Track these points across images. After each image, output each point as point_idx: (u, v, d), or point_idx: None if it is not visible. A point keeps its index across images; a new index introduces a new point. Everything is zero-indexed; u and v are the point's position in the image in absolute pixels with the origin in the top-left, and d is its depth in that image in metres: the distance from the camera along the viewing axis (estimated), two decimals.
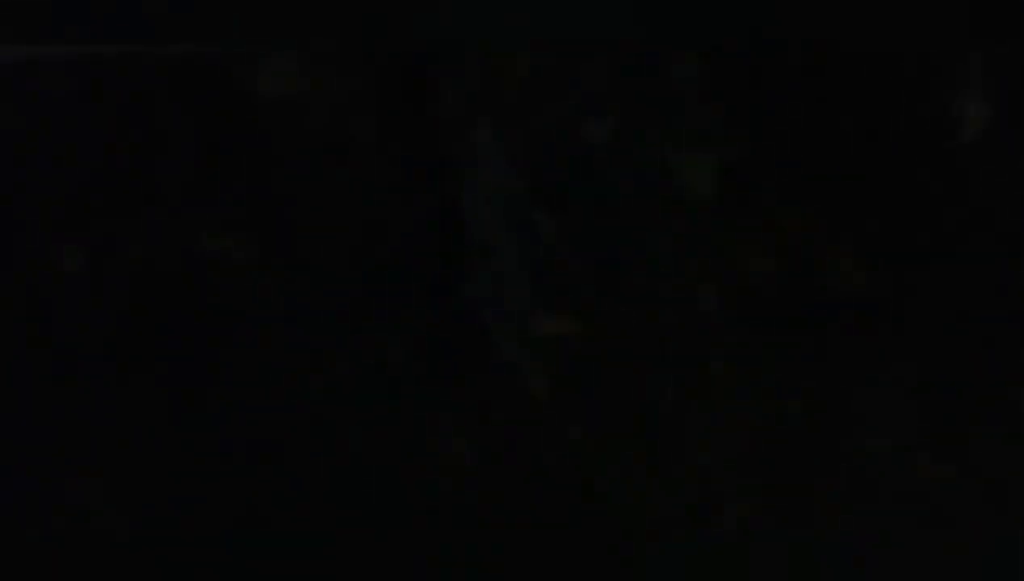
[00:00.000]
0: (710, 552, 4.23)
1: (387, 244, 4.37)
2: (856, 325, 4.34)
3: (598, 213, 4.41)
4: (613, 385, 4.38)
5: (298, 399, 4.28)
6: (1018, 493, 4.20)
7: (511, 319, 4.40)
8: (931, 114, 4.37)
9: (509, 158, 4.38)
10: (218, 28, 4.22)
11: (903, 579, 4.17)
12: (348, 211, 4.36)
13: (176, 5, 4.21)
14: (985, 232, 4.35)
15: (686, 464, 4.31)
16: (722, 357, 4.35)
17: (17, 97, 4.19)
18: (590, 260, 4.40)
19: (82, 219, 4.24)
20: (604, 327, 4.39)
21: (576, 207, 4.41)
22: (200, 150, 4.30)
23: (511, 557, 4.18)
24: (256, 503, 4.22)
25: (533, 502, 4.28)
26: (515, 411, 4.34)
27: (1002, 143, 4.31)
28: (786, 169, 4.36)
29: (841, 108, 4.40)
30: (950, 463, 4.25)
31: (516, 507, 4.27)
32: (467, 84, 4.37)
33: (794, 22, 4.33)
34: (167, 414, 4.24)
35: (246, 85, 4.29)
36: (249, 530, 4.21)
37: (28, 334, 4.21)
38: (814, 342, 4.33)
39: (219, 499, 4.21)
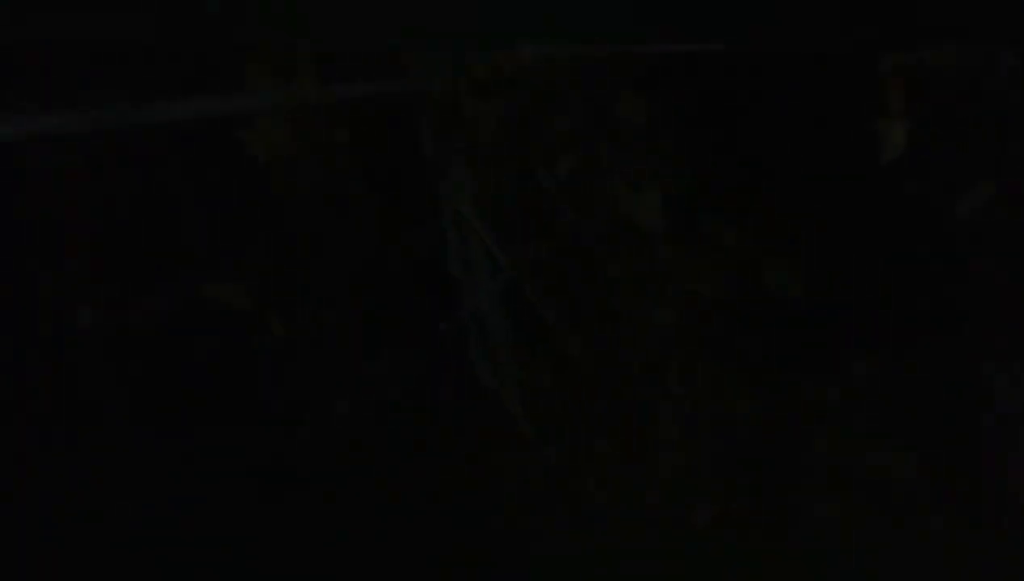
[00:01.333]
0: (683, 549, 4.53)
1: (378, 284, 4.67)
2: (797, 331, 4.66)
3: (557, 245, 4.71)
4: (580, 398, 4.71)
5: (304, 427, 4.56)
6: (974, 488, 4.49)
7: (487, 347, 4.74)
8: (856, 135, 4.65)
9: (478, 198, 4.68)
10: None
11: (870, 571, 4.43)
12: (339, 254, 4.67)
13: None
14: (911, 238, 4.66)
15: (655, 466, 4.63)
16: (678, 367, 4.68)
17: (28, 166, 4.40)
18: (552, 289, 4.72)
19: (93, 279, 4.46)
20: (567, 347, 4.71)
21: (535, 241, 4.72)
22: (200, 206, 4.58)
23: (500, 559, 4.46)
24: (269, 531, 4.45)
25: (515, 507, 4.61)
26: (494, 428, 4.66)
27: (926, 160, 4.60)
28: (724, 197, 4.67)
29: (772, 136, 4.70)
30: (903, 458, 4.55)
31: (498, 512, 4.60)
32: (440, 130, 4.67)
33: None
34: (181, 449, 4.45)
35: (240, 143, 4.58)
36: (263, 553, 4.47)
37: (48, 385, 4.45)
38: (761, 348, 4.65)
39: (234, 530, 4.43)
